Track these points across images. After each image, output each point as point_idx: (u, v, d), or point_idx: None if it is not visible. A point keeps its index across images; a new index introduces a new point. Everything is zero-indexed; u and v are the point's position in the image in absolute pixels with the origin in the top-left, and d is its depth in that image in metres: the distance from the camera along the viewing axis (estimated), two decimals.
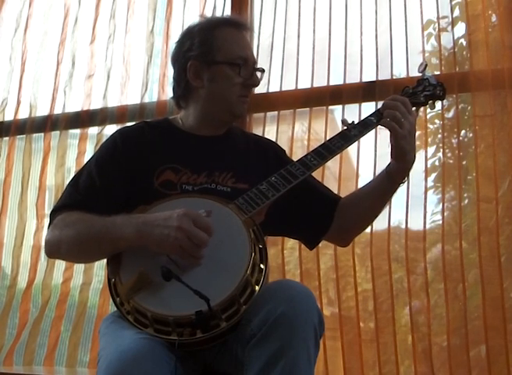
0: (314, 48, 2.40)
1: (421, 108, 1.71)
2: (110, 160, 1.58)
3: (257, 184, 1.46)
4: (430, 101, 1.65)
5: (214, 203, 1.44)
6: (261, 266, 1.35)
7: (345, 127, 1.57)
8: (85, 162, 1.67)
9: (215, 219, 1.36)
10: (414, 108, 1.63)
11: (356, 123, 1.58)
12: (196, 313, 1.23)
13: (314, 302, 1.29)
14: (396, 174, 1.55)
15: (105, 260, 1.46)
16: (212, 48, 1.60)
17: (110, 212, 1.42)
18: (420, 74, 1.68)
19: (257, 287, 1.31)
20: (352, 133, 1.55)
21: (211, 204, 1.44)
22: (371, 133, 2.22)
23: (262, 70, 1.67)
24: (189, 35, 1.65)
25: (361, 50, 2.32)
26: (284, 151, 1.80)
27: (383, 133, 2.24)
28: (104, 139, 1.96)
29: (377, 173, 2.23)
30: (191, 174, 1.55)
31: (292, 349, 1.21)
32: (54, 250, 1.52)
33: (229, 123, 1.70)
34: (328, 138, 1.58)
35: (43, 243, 2.59)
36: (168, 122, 1.71)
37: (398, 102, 1.51)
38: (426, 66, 1.68)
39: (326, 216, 1.65)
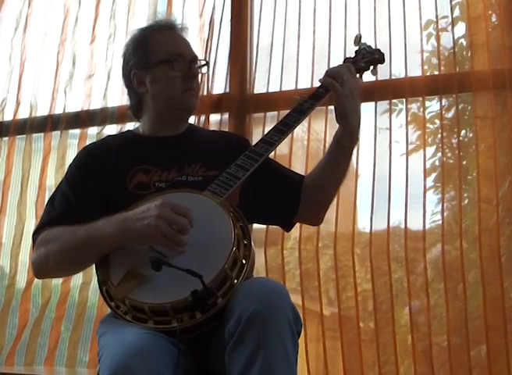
0: (314, 47, 2.39)
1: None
2: (80, 176, 1.62)
3: (227, 169, 1.49)
4: (371, 67, 1.74)
5: (188, 194, 1.47)
6: (245, 241, 1.37)
7: (298, 103, 1.62)
8: None
9: (192, 208, 1.37)
10: (357, 75, 1.70)
11: (306, 97, 1.63)
12: (192, 293, 1.23)
13: (287, 298, 1.27)
14: (342, 138, 1.59)
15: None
16: (147, 53, 1.67)
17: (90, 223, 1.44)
18: (357, 47, 1.76)
19: (244, 262, 1.33)
20: (305, 106, 1.60)
21: (186, 195, 1.46)
22: (371, 133, 2.25)
23: (205, 64, 1.74)
24: (126, 48, 1.74)
25: None
26: (248, 140, 1.85)
27: (383, 133, 2.26)
28: None
29: (377, 173, 2.28)
30: (162, 172, 1.59)
31: (268, 348, 1.18)
32: (42, 268, 1.53)
33: (183, 120, 1.74)
34: (290, 117, 1.60)
35: None
36: (131, 132, 1.80)
37: (340, 66, 1.62)
38: (361, 37, 1.78)
39: (293, 197, 1.68)
